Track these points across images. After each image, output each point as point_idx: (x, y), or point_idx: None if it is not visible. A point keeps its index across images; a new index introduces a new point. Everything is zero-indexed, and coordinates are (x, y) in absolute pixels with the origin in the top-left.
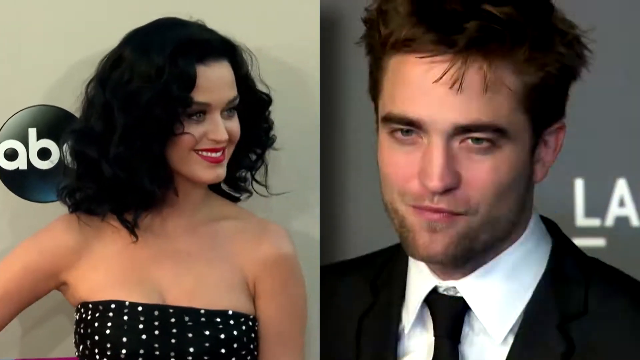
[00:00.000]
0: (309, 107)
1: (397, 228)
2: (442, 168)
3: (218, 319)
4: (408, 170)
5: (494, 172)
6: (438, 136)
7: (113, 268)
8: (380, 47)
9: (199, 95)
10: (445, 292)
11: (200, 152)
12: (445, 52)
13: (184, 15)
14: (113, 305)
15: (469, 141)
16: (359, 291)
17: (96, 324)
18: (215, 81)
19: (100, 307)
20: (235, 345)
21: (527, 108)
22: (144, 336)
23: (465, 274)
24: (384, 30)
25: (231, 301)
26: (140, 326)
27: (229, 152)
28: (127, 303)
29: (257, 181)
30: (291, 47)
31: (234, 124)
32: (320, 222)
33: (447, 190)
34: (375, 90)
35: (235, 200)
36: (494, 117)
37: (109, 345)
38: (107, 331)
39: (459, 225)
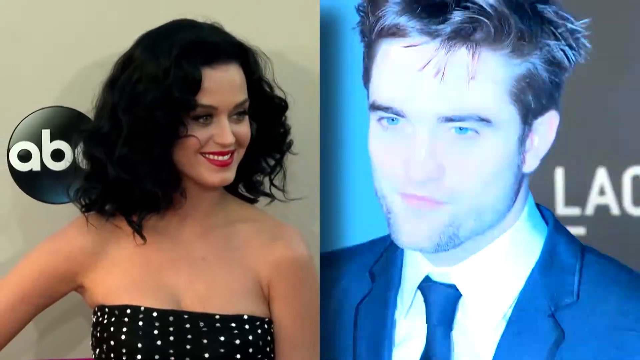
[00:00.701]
0: (309, 107)
1: (385, 214)
2: (424, 158)
3: (233, 324)
4: (394, 158)
5: (478, 161)
6: (421, 125)
7: (128, 272)
8: (369, 34)
9: (205, 98)
10: (438, 279)
11: (206, 155)
12: (430, 41)
13: (194, 17)
14: (128, 311)
15: (453, 130)
16: (358, 278)
17: (112, 329)
18: (222, 84)
19: (116, 312)
20: (250, 350)
21: (514, 98)
22: (159, 342)
23: (457, 261)
24: (372, 17)
25: (246, 305)
26: (155, 332)
27: (238, 155)
28: (142, 308)
29: (275, 185)
30: (291, 47)
31: (243, 128)
32: (321, 220)
33: (431, 179)
34: (366, 77)
35: (253, 201)
36: (478, 107)
37: (124, 351)
38: (123, 336)
39: (443, 214)
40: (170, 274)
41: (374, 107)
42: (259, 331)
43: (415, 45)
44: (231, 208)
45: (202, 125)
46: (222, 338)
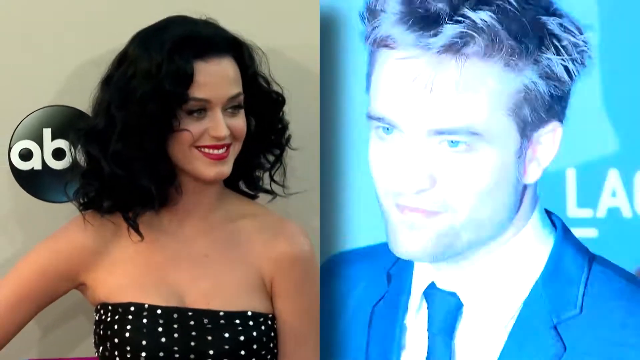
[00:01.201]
0: (309, 106)
1: (385, 222)
2: (415, 170)
3: (237, 321)
4: (389, 168)
5: (470, 174)
6: (413, 137)
7: (130, 270)
8: (367, 43)
9: (198, 92)
10: (442, 287)
11: (201, 149)
12: (421, 54)
13: (191, 14)
14: (132, 308)
15: (446, 143)
16: (376, 279)
17: (115, 327)
18: (215, 77)
19: (120, 310)
20: (255, 346)
21: (510, 112)
22: (163, 339)
23: (460, 270)
24: (369, 27)
25: (250, 301)
26: (160, 329)
27: (234, 149)
28: (146, 306)
29: (275, 181)
30: (291, 47)
31: (238, 122)
32: (321, 215)
33: (422, 190)
34: (367, 84)
35: (253, 197)
36: (470, 120)
37: (128, 348)
38: (127, 334)
39: (439, 224)
40: (173, 272)
41: (370, 116)
42: (263, 327)
43: (407, 58)
44: (232, 204)
45: (196, 119)
46: (226, 335)
